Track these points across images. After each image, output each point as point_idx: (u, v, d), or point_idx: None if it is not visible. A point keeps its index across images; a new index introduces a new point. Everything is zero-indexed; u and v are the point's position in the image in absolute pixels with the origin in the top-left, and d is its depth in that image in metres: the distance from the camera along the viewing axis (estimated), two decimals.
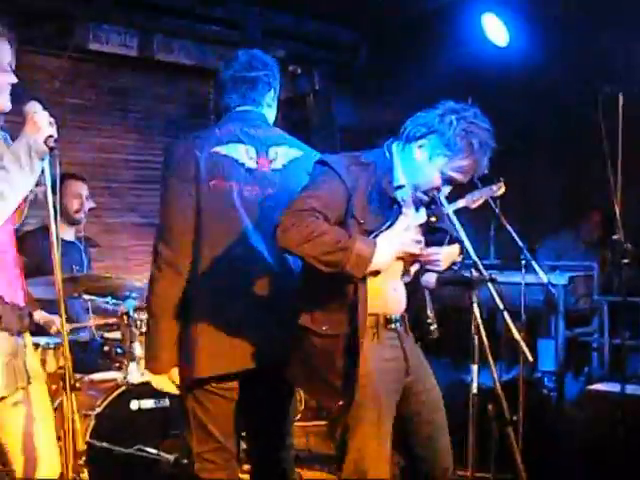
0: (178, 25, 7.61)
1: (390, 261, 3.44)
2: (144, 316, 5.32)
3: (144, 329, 5.27)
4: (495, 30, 7.51)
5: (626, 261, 5.45)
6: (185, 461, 4.80)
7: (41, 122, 3.26)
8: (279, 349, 3.68)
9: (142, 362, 5.29)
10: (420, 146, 3.53)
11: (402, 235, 3.49)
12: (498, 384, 3.33)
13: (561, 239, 8.61)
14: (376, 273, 3.43)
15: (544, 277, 6.12)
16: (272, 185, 3.84)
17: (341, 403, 3.43)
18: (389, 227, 3.47)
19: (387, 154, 3.61)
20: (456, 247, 3.68)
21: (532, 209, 9.42)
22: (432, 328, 3.75)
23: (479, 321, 3.42)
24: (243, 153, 3.84)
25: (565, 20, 7.20)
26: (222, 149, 3.83)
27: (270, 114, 4.08)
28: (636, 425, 5.36)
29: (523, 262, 5.91)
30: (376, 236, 3.42)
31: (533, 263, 5.98)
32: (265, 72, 4.02)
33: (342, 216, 3.42)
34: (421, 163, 3.53)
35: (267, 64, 4.06)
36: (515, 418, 3.33)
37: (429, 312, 3.74)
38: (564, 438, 6.25)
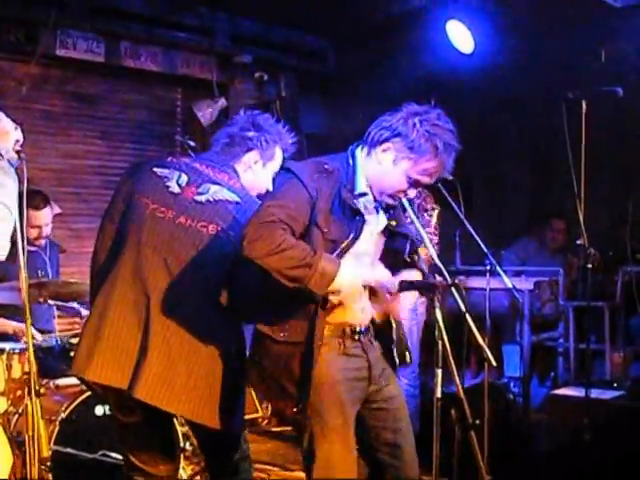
0: (146, 31, 7.59)
1: (353, 286, 3.41)
2: None
3: None
4: (460, 37, 7.54)
5: (590, 266, 5.50)
6: None
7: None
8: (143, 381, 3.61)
9: None
10: (384, 150, 3.50)
11: (380, 272, 3.50)
12: (460, 388, 3.34)
13: (526, 244, 8.64)
14: (338, 293, 3.41)
15: (509, 282, 6.15)
16: (187, 214, 3.78)
17: (295, 410, 3.45)
18: (354, 239, 3.47)
19: (350, 160, 3.59)
20: (417, 274, 3.68)
21: (497, 214, 9.47)
22: (407, 356, 3.77)
23: (442, 326, 3.43)
24: (174, 178, 3.86)
25: (529, 27, 7.24)
26: (159, 170, 3.90)
27: (250, 175, 4.04)
28: (601, 429, 5.40)
29: (488, 267, 5.93)
30: (341, 252, 3.43)
31: (498, 268, 6.01)
32: (253, 134, 4.02)
33: (306, 224, 3.40)
34: (386, 167, 3.50)
35: (260, 127, 4.05)
36: (478, 422, 3.32)
37: (408, 343, 3.77)
38: (530, 443, 6.28)
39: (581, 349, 7.18)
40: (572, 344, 7.36)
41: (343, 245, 3.44)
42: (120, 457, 4.90)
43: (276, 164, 4.09)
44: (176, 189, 3.83)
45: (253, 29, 8.20)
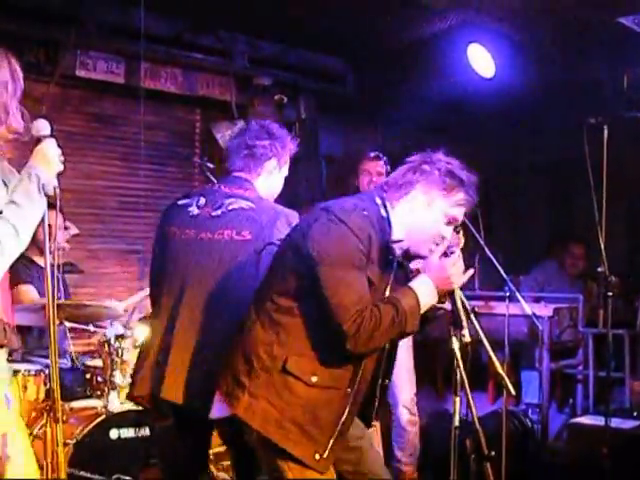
0: (165, 52, 7.58)
1: (439, 292, 3.43)
2: (125, 344, 5.32)
3: (125, 357, 5.30)
4: (481, 61, 7.51)
5: (610, 294, 5.44)
6: None
7: (54, 158, 3.22)
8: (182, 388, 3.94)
9: (123, 391, 5.29)
10: (414, 197, 3.52)
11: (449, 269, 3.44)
12: (477, 419, 3.30)
13: (546, 267, 8.59)
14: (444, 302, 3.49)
15: (528, 309, 6.11)
16: (207, 229, 4.13)
17: (318, 457, 3.41)
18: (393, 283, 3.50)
19: (383, 211, 3.55)
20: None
21: (517, 239, 9.43)
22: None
23: (458, 353, 3.39)
24: (194, 203, 4.23)
25: (551, 52, 7.21)
26: (181, 201, 4.31)
27: (269, 181, 4.36)
28: (621, 459, 5.34)
29: (507, 294, 5.90)
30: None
31: (518, 295, 5.97)
32: (269, 142, 4.32)
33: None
34: (421, 213, 3.53)
35: (273, 135, 4.35)
36: (493, 453, 3.28)
37: None
38: (548, 472, 6.22)
39: (600, 377, 7.11)
40: (591, 371, 7.29)
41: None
42: None
43: (287, 168, 4.46)
44: (195, 211, 4.19)
45: (272, 51, 8.18)
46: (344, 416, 3.47)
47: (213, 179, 5.70)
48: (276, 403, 3.38)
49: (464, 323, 3.36)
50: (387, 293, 3.49)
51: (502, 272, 5.74)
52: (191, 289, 4.06)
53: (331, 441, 3.44)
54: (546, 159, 8.98)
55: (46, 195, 3.18)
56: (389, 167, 6.13)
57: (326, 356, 3.41)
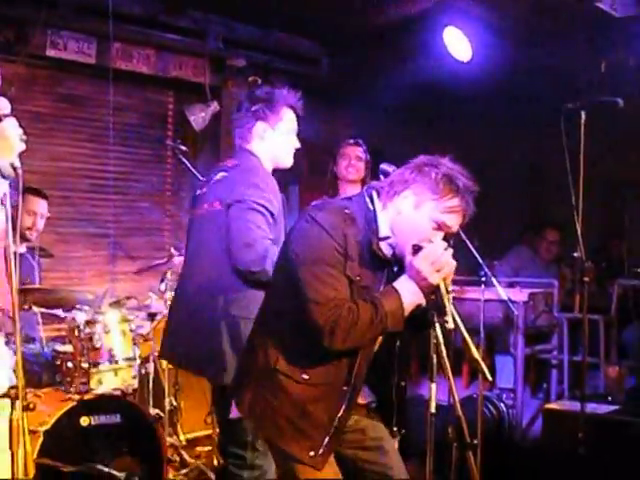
0: (138, 33, 7.49)
1: (423, 295, 3.35)
2: (96, 329, 5.26)
3: (96, 343, 5.24)
4: (458, 44, 7.46)
5: (586, 279, 5.42)
6: (136, 479, 4.78)
7: (14, 138, 3.14)
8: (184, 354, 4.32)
9: (93, 377, 5.23)
10: (404, 197, 3.40)
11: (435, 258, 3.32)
12: (459, 406, 3.25)
13: (520, 253, 8.59)
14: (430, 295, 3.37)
15: (503, 294, 6.09)
16: (198, 204, 4.42)
17: (312, 454, 3.41)
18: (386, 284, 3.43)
19: (370, 205, 3.48)
20: None
21: (492, 224, 9.42)
22: None
23: (440, 340, 3.34)
24: (204, 184, 4.46)
25: (528, 36, 7.18)
26: (200, 184, 4.60)
27: (266, 144, 4.40)
28: (596, 444, 5.34)
29: (483, 279, 5.87)
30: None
31: (493, 280, 5.94)
32: (254, 108, 4.39)
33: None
34: (407, 214, 3.39)
35: (258, 99, 4.42)
36: (476, 442, 3.25)
37: None
38: (523, 457, 6.21)
39: (575, 362, 7.12)
40: (566, 356, 7.30)
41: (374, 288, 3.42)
42: (105, 469, 4.86)
43: (287, 123, 4.45)
44: (200, 191, 4.46)
45: (247, 33, 8.10)
46: (340, 413, 3.47)
47: (185, 162, 5.68)
48: (271, 402, 3.41)
49: (447, 309, 3.29)
50: None
51: (478, 257, 5.69)
52: (192, 263, 4.39)
53: (326, 438, 3.43)
54: (524, 144, 8.96)
55: (4, 177, 3.09)
56: (368, 155, 6.10)
57: (315, 355, 3.38)
